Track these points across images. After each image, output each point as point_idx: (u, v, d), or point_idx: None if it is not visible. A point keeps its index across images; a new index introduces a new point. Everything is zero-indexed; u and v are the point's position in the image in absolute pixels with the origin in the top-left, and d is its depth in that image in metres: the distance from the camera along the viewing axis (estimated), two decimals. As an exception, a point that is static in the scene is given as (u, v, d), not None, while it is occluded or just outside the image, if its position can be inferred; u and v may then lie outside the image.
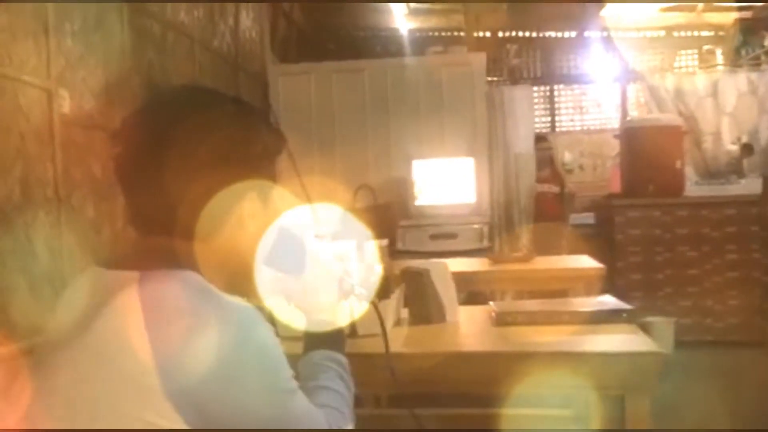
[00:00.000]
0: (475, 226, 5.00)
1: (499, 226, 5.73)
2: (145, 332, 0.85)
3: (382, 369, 1.40)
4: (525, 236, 5.79)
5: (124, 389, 0.85)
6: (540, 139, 6.03)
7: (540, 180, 5.78)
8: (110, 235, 3.01)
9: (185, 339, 0.85)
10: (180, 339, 0.85)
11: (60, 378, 0.90)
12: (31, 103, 2.55)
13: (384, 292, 1.89)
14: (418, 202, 5.16)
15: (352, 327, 1.84)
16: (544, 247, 4.76)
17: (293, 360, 1.12)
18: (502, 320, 1.95)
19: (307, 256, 1.19)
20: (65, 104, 2.76)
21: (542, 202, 5.77)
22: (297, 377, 1.06)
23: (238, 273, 1.03)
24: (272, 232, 1.07)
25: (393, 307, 1.94)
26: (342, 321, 1.25)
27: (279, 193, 1.07)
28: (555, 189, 5.87)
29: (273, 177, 1.06)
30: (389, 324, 1.88)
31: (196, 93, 1.06)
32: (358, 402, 1.16)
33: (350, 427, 1.09)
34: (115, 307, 0.88)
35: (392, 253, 3.10)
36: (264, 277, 1.15)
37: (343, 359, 1.17)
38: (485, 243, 4.98)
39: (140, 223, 0.97)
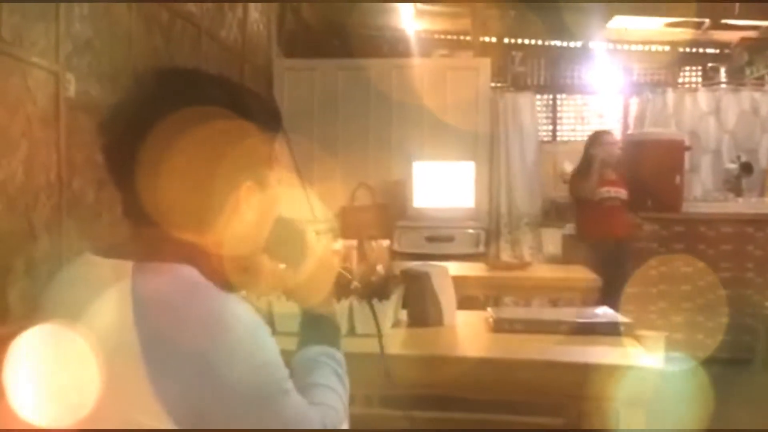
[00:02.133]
0: (472, 231, 5.01)
1: (496, 231, 5.73)
2: (135, 329, 0.84)
3: (377, 369, 1.41)
4: (526, 243, 5.76)
5: (112, 387, 0.84)
6: (603, 133, 4.76)
7: (604, 183, 4.45)
8: (109, 220, 3.00)
9: (174, 337, 0.84)
10: (169, 337, 0.84)
11: (46, 367, 0.89)
12: (38, 86, 2.54)
13: (384, 292, 1.89)
14: (416, 204, 5.17)
15: (351, 325, 1.85)
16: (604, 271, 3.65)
17: (289, 356, 1.11)
18: (499, 327, 1.96)
19: (308, 248, 1.16)
20: (71, 88, 2.75)
21: (606, 211, 4.44)
22: (291, 374, 1.05)
23: (238, 264, 1.01)
24: (273, 221, 1.05)
25: (392, 307, 1.94)
26: (338, 316, 1.23)
27: (277, 177, 1.03)
28: (624, 195, 4.51)
29: (270, 159, 1.02)
30: (388, 324, 1.89)
31: (181, 77, 0.99)
32: (350, 400, 1.13)
33: (345, 425, 1.07)
34: (107, 301, 0.87)
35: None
36: (263, 268, 1.14)
37: (339, 355, 1.14)
38: (481, 248, 4.99)
39: (134, 216, 0.94)
